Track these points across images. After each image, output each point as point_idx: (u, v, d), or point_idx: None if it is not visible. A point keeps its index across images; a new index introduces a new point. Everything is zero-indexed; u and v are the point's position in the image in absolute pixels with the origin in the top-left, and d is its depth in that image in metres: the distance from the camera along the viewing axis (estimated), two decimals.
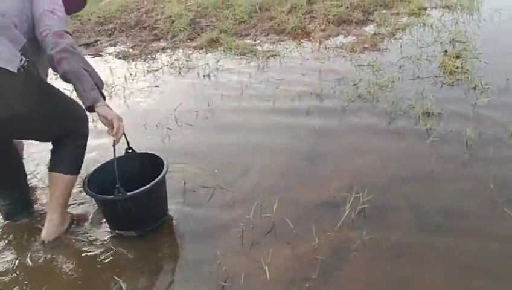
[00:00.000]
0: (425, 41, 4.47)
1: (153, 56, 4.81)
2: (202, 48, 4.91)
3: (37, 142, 2.55)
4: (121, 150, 2.21)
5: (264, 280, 1.88)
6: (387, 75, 3.73)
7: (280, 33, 5.20)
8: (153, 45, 5.15)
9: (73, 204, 2.42)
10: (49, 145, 2.23)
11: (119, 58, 4.84)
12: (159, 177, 2.07)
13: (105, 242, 2.17)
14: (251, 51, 4.66)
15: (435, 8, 5.57)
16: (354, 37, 4.83)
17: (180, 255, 2.10)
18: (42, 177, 2.74)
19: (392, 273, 1.89)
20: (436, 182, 2.44)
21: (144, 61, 4.70)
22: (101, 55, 5.02)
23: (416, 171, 2.54)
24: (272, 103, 3.55)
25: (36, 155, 2.94)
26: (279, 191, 2.45)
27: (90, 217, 2.35)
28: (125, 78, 4.18)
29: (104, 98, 2.00)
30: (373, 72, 3.88)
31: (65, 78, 1.93)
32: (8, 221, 2.35)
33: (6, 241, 2.24)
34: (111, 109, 2.01)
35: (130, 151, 2.27)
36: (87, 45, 5.30)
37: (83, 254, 2.11)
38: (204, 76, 4.17)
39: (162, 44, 5.15)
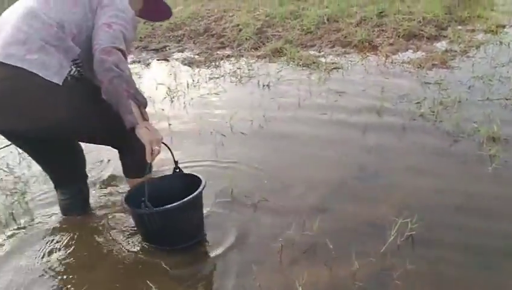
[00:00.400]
0: (499, 60, 4.19)
1: (217, 64, 4.89)
2: (265, 58, 4.92)
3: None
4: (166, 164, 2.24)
5: None
6: (454, 94, 3.53)
7: (346, 45, 5.10)
8: (218, 52, 5.24)
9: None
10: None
11: (185, 64, 4.95)
12: (188, 197, 2.02)
13: (142, 249, 2.18)
14: (314, 62, 4.60)
15: None
16: (423, 53, 4.63)
17: (216, 265, 2.07)
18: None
19: None
20: (496, 217, 2.23)
21: (208, 68, 4.79)
22: (168, 61, 5.18)
23: (474, 201, 2.36)
24: (329, 116, 3.47)
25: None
26: (324, 208, 2.37)
27: None
28: (187, 85, 4.27)
29: (146, 118, 1.97)
30: (439, 90, 3.69)
31: (106, 98, 1.91)
32: (64, 217, 2.42)
33: (57, 237, 2.32)
34: (150, 129, 1.96)
35: (178, 171, 2.24)
36: (156, 50, 5.49)
37: (121, 257, 2.14)
38: (263, 86, 4.16)
39: (227, 52, 5.22)
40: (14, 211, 2.47)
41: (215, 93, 4.07)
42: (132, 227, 2.27)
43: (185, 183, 2.20)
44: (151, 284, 1.90)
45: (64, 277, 2.02)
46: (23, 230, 2.35)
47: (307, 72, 4.45)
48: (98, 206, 2.52)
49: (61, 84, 1.89)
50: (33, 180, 2.80)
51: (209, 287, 1.97)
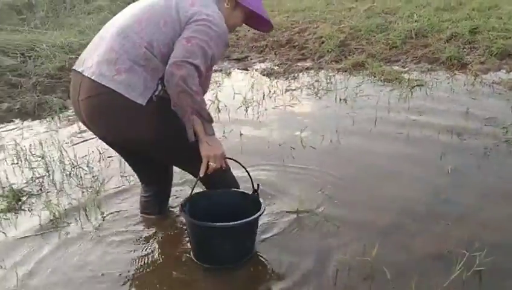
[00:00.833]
0: None
1: (295, 75, 4.87)
2: (346, 71, 4.83)
3: None
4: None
5: None
6: None
7: (433, 62, 4.87)
8: (298, 64, 5.22)
9: None
10: None
11: (264, 74, 4.99)
12: (237, 222, 1.98)
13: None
14: (396, 78, 4.44)
15: None
16: None
17: (266, 287, 2.03)
18: None
19: None
20: None
21: (286, 79, 4.79)
22: (248, 70, 5.25)
23: None
24: (406, 135, 3.32)
25: None
26: (387, 232, 2.26)
27: None
28: (264, 95, 4.29)
29: (208, 133, 1.98)
30: None
31: (174, 110, 1.95)
32: (142, 215, 2.52)
33: (127, 234, 2.42)
34: (211, 144, 1.99)
35: (256, 193, 2.18)
36: (238, 60, 5.59)
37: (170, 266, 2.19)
38: (340, 100, 4.08)
39: (307, 64, 5.19)
40: (87, 208, 2.60)
41: (290, 106, 4.05)
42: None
43: (244, 201, 2.19)
44: None
45: (125, 276, 2.10)
46: (94, 227, 2.48)
47: (388, 88, 4.30)
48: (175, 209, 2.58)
49: (144, 104, 1.97)
50: (108, 180, 2.94)
51: None
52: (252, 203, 2.13)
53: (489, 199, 2.50)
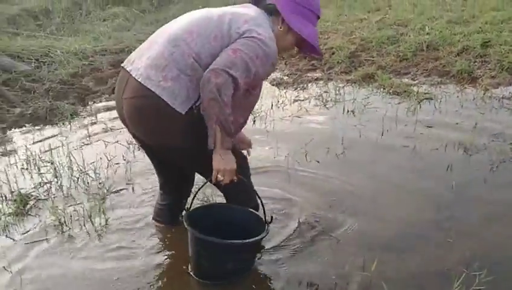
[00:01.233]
0: None
1: (304, 86, 4.88)
2: (355, 82, 4.83)
3: None
4: None
5: None
6: None
7: (443, 75, 4.84)
8: (308, 74, 5.24)
9: None
10: None
11: (273, 84, 5.01)
12: (236, 241, 2.00)
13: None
14: (405, 91, 4.43)
15: None
16: None
17: None
18: None
19: None
20: None
21: (294, 90, 4.80)
22: None
23: None
24: (412, 149, 3.31)
25: None
26: (387, 247, 2.26)
27: None
28: (272, 105, 4.31)
29: (225, 147, 1.99)
30: None
31: (203, 114, 1.98)
32: (153, 220, 2.56)
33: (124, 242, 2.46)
34: (224, 158, 2.00)
35: (270, 222, 2.13)
36: None
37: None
38: (348, 111, 4.08)
39: (317, 74, 5.20)
40: (91, 214, 2.64)
41: (297, 116, 4.06)
42: None
43: (248, 219, 2.19)
44: None
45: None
46: (98, 233, 2.52)
47: (396, 100, 4.29)
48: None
49: (183, 113, 2.01)
50: (114, 187, 2.98)
51: None
52: (256, 222, 2.13)
53: (493, 217, 2.49)
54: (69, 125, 4.15)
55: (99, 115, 4.37)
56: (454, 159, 3.12)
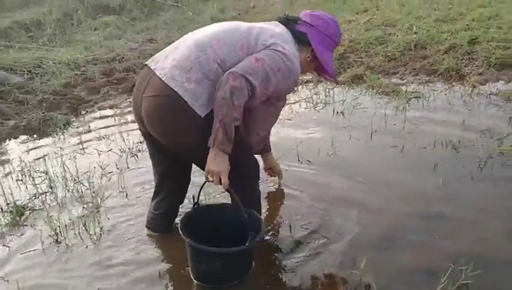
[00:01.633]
0: None
1: (295, 89, 4.93)
2: (344, 84, 4.87)
3: None
4: None
5: None
6: None
7: (431, 74, 4.90)
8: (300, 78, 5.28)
9: None
10: None
11: None
12: (232, 249, 2.02)
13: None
14: (393, 91, 4.48)
15: None
16: None
17: None
18: None
19: None
20: None
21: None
22: None
23: None
24: (401, 147, 3.36)
25: None
26: (375, 245, 2.31)
27: None
28: None
29: (222, 149, 2.00)
30: None
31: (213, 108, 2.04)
32: (146, 228, 2.60)
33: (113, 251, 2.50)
34: (217, 159, 2.01)
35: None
36: None
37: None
38: (338, 113, 4.13)
39: (307, 77, 5.23)
40: (86, 223, 2.68)
41: (288, 119, 4.11)
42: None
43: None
44: None
45: None
46: (94, 242, 2.56)
47: (385, 100, 4.34)
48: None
49: (203, 116, 2.06)
50: (108, 195, 3.02)
51: None
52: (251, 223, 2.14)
53: (479, 213, 2.53)
54: (62, 136, 4.19)
55: (92, 124, 4.41)
56: (443, 156, 3.17)
